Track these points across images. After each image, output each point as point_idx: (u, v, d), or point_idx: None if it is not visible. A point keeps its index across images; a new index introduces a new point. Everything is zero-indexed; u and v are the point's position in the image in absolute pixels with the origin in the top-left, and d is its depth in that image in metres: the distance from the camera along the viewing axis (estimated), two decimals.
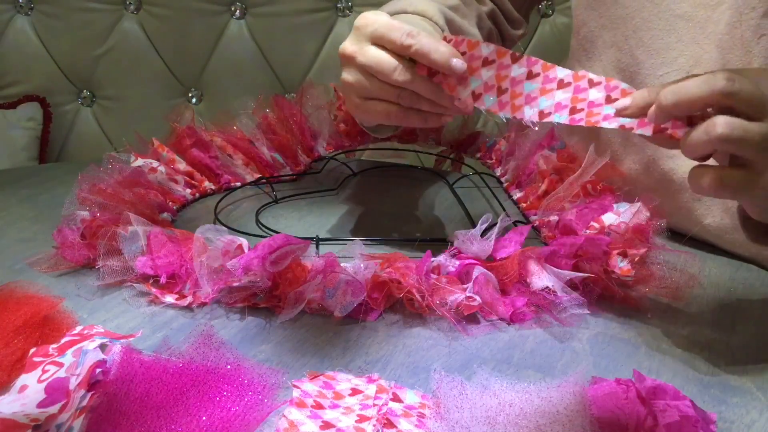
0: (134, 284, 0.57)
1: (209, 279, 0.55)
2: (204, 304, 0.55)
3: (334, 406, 0.42)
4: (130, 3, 1.42)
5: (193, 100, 1.49)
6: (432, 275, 0.55)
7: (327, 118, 0.91)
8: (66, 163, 1.46)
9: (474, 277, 0.55)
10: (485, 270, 0.56)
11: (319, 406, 0.42)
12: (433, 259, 0.56)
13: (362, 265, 0.55)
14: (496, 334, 0.53)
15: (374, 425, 0.40)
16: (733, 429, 0.43)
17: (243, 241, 0.56)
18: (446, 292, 0.54)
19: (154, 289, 0.56)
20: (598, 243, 0.59)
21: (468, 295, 0.54)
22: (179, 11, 1.42)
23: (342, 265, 0.55)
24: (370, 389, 0.44)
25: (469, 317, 0.55)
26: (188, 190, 0.78)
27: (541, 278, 0.55)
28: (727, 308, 0.58)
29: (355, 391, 0.44)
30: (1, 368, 0.44)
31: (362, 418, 0.41)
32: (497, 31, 0.85)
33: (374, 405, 0.42)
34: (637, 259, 0.59)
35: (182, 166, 0.79)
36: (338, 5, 1.42)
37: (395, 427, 0.41)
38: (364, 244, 0.59)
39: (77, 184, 0.66)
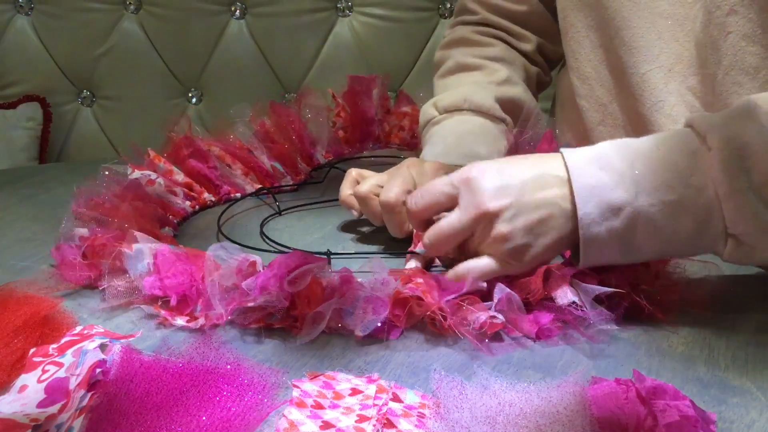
0: (142, 306, 0.54)
1: (222, 299, 0.53)
2: (216, 325, 0.53)
3: (334, 406, 0.42)
4: (130, 3, 1.42)
5: (193, 100, 1.49)
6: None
7: (325, 125, 0.89)
8: (66, 163, 1.46)
9: (497, 298, 0.53)
10: (508, 290, 0.53)
11: (319, 406, 0.42)
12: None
13: (381, 281, 0.53)
14: (496, 334, 0.53)
15: (374, 425, 0.40)
16: (733, 429, 0.43)
17: (257, 258, 0.54)
18: (468, 311, 0.52)
19: (163, 311, 0.53)
20: None
21: (491, 314, 0.52)
22: (179, 11, 1.42)
23: (359, 280, 0.53)
24: (370, 389, 0.44)
25: (492, 335, 0.53)
26: (188, 203, 0.76)
27: (567, 294, 0.53)
28: (727, 308, 0.58)
29: (355, 391, 0.44)
30: (1, 368, 0.44)
31: (362, 418, 0.41)
32: (544, 63, 0.90)
33: (374, 405, 0.42)
34: (658, 270, 0.58)
35: (180, 177, 0.77)
36: (338, 5, 1.42)
37: (395, 427, 0.41)
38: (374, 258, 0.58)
39: (73, 198, 0.64)
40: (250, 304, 0.52)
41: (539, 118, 0.84)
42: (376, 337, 0.52)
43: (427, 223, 0.57)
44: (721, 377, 0.48)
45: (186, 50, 1.44)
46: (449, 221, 0.55)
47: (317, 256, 0.55)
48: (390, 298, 0.52)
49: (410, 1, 1.41)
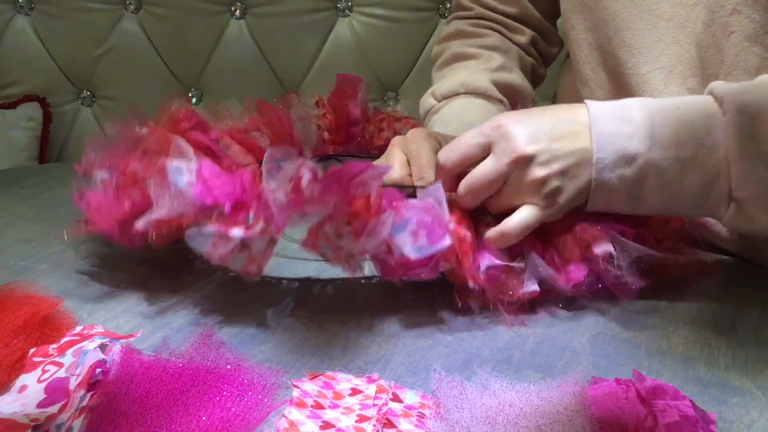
0: (196, 232, 0.49)
1: (279, 206, 0.48)
2: (275, 234, 0.49)
3: (334, 406, 0.42)
4: (130, 3, 1.42)
5: (194, 100, 1.49)
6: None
7: (312, 127, 0.89)
8: (66, 163, 1.46)
9: (529, 263, 0.55)
10: (540, 261, 0.55)
11: (319, 406, 0.42)
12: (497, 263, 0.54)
13: (431, 206, 0.52)
14: (496, 334, 0.53)
15: (374, 425, 0.40)
16: (733, 429, 0.43)
17: (315, 165, 0.51)
18: (503, 284, 0.53)
19: (218, 226, 0.49)
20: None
21: (526, 287, 0.53)
22: (179, 11, 1.42)
23: (408, 201, 0.52)
24: (370, 389, 0.44)
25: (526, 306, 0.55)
26: None
27: (604, 245, 0.55)
28: (727, 308, 0.58)
29: (355, 391, 0.44)
30: (1, 368, 0.44)
31: (362, 418, 0.41)
32: (539, 56, 0.92)
33: (374, 405, 0.42)
34: (675, 226, 0.60)
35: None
36: (338, 5, 1.42)
37: (395, 427, 0.41)
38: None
39: (84, 152, 0.59)
40: (310, 211, 0.49)
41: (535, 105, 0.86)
42: (420, 268, 0.52)
43: (458, 178, 0.57)
44: (721, 377, 0.48)
45: (186, 50, 1.44)
46: (484, 169, 0.55)
47: (375, 164, 0.53)
48: (446, 229, 0.51)
49: (410, 1, 1.41)
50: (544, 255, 0.56)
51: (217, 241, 0.49)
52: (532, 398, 0.41)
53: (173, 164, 0.51)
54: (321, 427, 0.40)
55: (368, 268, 0.55)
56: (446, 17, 1.41)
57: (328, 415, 0.41)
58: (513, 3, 0.89)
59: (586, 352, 0.51)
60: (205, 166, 0.51)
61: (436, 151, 0.63)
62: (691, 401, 0.41)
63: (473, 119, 0.76)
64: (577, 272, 0.55)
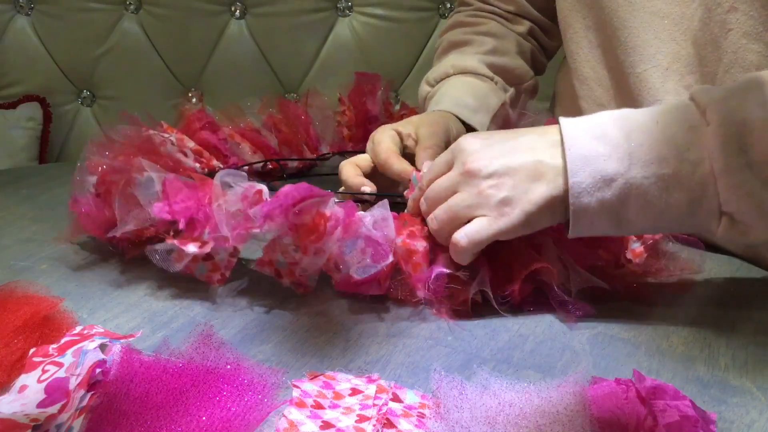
0: (156, 247, 0.55)
1: (228, 224, 0.52)
2: (228, 255, 0.54)
3: (334, 406, 0.42)
4: (130, 3, 1.42)
5: (193, 100, 1.49)
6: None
7: (330, 123, 0.91)
8: (66, 163, 1.46)
9: (478, 279, 0.55)
10: (486, 281, 0.55)
11: (319, 406, 0.42)
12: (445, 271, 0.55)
13: (381, 219, 0.54)
14: (496, 334, 0.53)
15: (374, 425, 0.40)
16: (733, 429, 0.43)
17: (263, 187, 0.54)
18: (449, 293, 0.54)
19: (175, 242, 0.53)
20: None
21: (473, 292, 0.54)
22: (179, 11, 1.42)
23: (361, 216, 0.54)
24: (370, 389, 0.44)
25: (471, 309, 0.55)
26: (197, 165, 0.78)
27: (547, 274, 0.55)
28: (727, 308, 0.58)
29: (355, 391, 0.44)
30: (1, 368, 0.44)
31: (362, 418, 0.41)
32: (539, 46, 0.94)
33: (374, 405, 0.42)
34: (651, 242, 0.59)
35: (191, 144, 0.78)
36: (338, 5, 1.42)
37: (395, 427, 0.41)
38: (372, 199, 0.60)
39: (87, 151, 0.64)
40: (255, 231, 0.52)
41: (536, 89, 0.91)
42: (365, 285, 0.54)
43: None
44: (721, 377, 0.48)
45: (186, 50, 1.45)
46: (439, 181, 0.56)
47: (323, 190, 0.54)
48: (391, 247, 0.53)
49: (410, 1, 1.41)
50: (493, 271, 0.56)
51: (175, 256, 0.54)
52: (532, 398, 0.41)
53: (139, 180, 0.55)
54: (321, 427, 0.40)
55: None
56: (446, 17, 1.41)
57: (328, 415, 0.41)
58: (510, 0, 0.91)
59: (586, 352, 0.51)
60: (168, 183, 0.55)
61: (396, 143, 0.68)
62: (691, 401, 0.41)
63: (460, 94, 0.79)
64: (519, 294, 0.55)
